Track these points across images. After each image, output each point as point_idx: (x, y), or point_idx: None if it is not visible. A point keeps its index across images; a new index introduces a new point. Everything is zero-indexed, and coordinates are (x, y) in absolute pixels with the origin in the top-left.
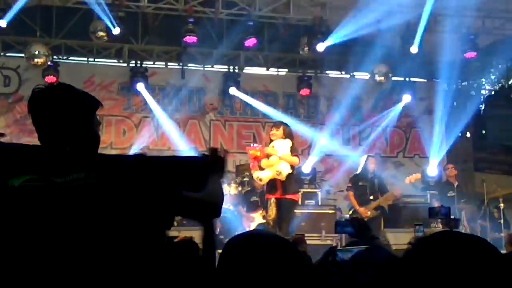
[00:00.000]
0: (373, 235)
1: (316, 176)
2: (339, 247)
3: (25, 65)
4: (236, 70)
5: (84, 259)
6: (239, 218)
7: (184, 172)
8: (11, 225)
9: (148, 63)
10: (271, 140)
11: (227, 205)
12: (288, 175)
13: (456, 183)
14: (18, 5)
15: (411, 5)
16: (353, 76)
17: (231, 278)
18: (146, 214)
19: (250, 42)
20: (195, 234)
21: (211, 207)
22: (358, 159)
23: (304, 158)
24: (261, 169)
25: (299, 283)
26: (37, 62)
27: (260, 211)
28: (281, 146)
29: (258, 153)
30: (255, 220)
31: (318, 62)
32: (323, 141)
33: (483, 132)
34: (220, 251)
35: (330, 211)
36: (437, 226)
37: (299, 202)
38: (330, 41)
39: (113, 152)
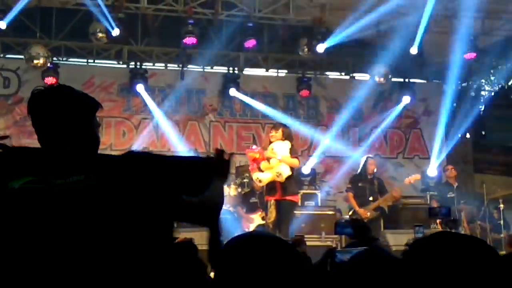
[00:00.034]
0: (373, 236)
1: (316, 177)
2: (338, 248)
3: (25, 67)
4: (236, 71)
5: (83, 261)
6: (238, 219)
7: (186, 173)
8: (11, 227)
9: (147, 65)
10: (271, 142)
11: (226, 206)
12: (288, 177)
13: (455, 184)
14: (18, 7)
15: (411, 6)
16: (353, 77)
17: (231, 279)
18: (146, 217)
19: (250, 43)
20: (195, 235)
21: (210, 212)
22: (358, 160)
23: (303, 159)
24: (261, 170)
25: (298, 284)
26: (37, 63)
27: (260, 212)
28: (280, 148)
29: (258, 155)
30: (254, 221)
31: (317, 63)
32: (327, 141)
33: (483, 133)
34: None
35: (330, 212)
36: (437, 228)
37: (299, 203)
38: (329, 42)
39: (113, 153)
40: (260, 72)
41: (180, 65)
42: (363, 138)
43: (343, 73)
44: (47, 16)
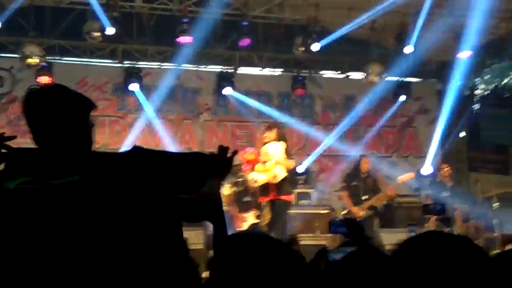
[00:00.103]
0: (367, 235)
1: (311, 176)
2: (332, 247)
3: (19, 66)
4: (231, 70)
5: (79, 261)
6: (232, 218)
7: (183, 169)
8: (6, 228)
9: (142, 63)
10: (265, 143)
11: None
12: (283, 178)
13: (450, 183)
14: (13, 7)
15: (406, 5)
16: (348, 76)
17: (226, 278)
18: (141, 217)
19: (245, 42)
20: (190, 234)
21: (207, 209)
22: (352, 159)
23: (298, 158)
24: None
25: (292, 283)
26: (31, 62)
27: (253, 212)
28: (275, 149)
29: (253, 156)
30: (247, 220)
31: (312, 62)
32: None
33: (478, 131)
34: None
35: (325, 211)
36: (430, 227)
37: (293, 203)
38: (324, 41)
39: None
40: (255, 71)
41: (175, 64)
42: (358, 137)
43: (338, 72)
44: (41, 14)
